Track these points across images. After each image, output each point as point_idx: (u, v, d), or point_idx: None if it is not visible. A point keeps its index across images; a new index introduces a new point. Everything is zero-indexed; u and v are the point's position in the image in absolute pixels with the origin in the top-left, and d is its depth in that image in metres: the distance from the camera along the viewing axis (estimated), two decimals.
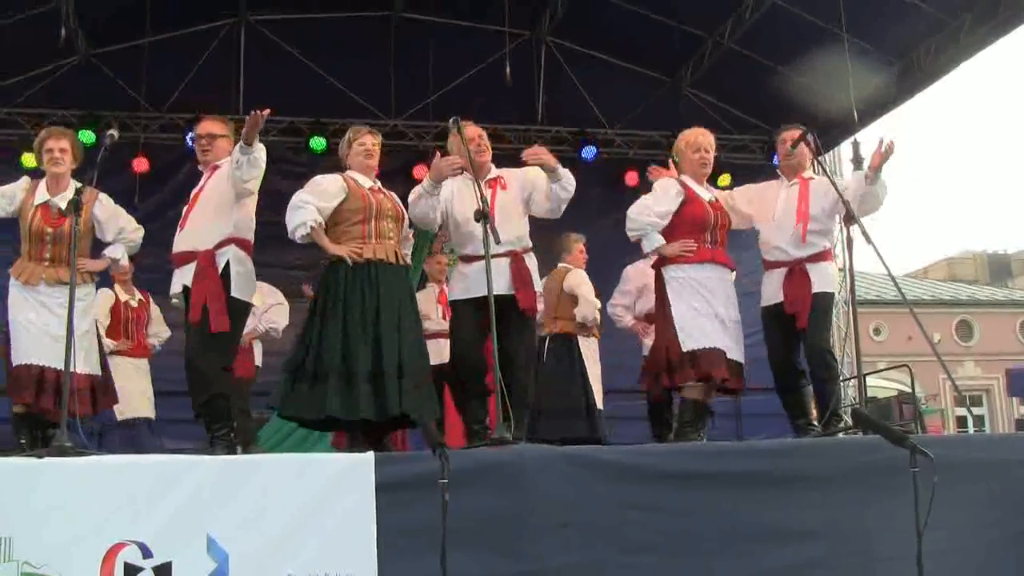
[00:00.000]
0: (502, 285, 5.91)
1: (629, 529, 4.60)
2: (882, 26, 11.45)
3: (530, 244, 6.25)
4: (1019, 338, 36.19)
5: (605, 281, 8.78)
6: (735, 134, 13.37)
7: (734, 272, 6.68)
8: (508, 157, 11.03)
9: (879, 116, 12.49)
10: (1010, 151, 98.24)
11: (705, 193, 6.55)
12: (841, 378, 13.59)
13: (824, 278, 6.60)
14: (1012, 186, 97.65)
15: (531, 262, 6.19)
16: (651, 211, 6.42)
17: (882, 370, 17.96)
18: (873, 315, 31.38)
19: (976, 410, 34.49)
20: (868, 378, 16.94)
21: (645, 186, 6.85)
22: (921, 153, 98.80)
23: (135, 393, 8.68)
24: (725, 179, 11.88)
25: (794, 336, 6.59)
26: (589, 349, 8.52)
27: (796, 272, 6.55)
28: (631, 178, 12.36)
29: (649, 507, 4.66)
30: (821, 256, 6.62)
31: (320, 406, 5.52)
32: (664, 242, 6.36)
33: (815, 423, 6.72)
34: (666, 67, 13.33)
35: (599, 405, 8.52)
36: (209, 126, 6.15)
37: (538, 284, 6.29)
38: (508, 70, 11.01)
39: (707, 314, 6.26)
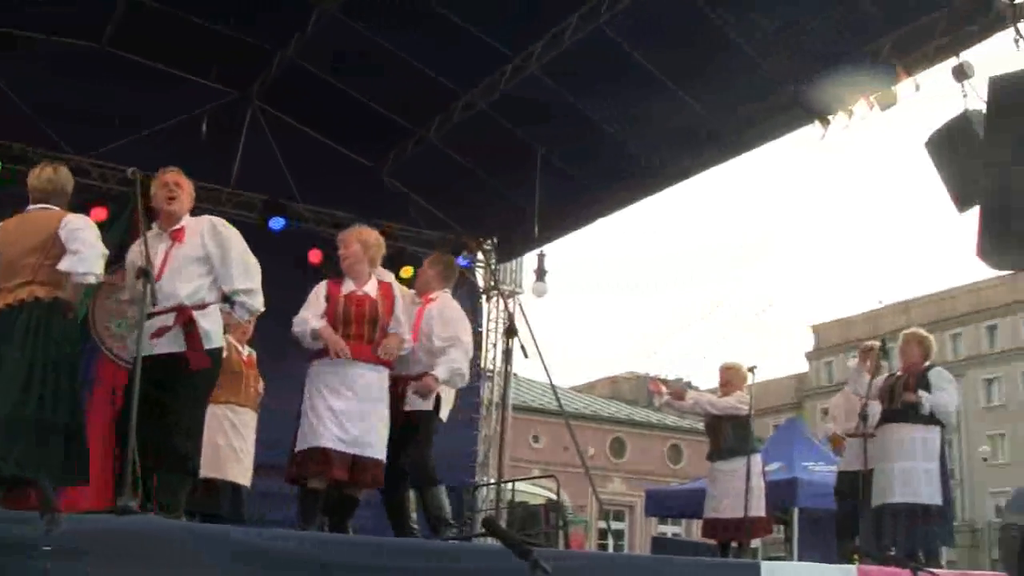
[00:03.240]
0: (171, 344, 5.78)
1: None
2: (578, 151, 12.03)
3: (207, 301, 5.99)
4: (666, 460, 38.10)
5: (280, 357, 8.51)
6: (424, 229, 13.59)
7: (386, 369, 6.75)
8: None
9: (562, 235, 13.11)
10: (680, 280, 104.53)
11: (352, 287, 6.68)
12: (489, 482, 14.04)
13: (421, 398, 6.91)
14: (678, 313, 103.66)
15: (204, 320, 5.90)
16: (302, 315, 6.65)
17: (532, 477, 18.48)
18: (534, 422, 32.34)
19: (619, 525, 35.97)
20: (522, 484, 17.49)
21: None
22: (603, 273, 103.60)
23: None
24: (407, 271, 12.03)
25: (397, 444, 6.79)
26: (240, 421, 8.33)
27: (394, 388, 6.85)
28: (314, 255, 12.15)
29: None
30: (424, 375, 6.89)
31: None
32: (325, 325, 6.52)
33: (415, 525, 7.03)
34: (370, 152, 13.38)
35: (245, 482, 8.35)
36: None
37: (215, 341, 6.05)
38: (205, 126, 10.77)
39: (322, 411, 6.34)
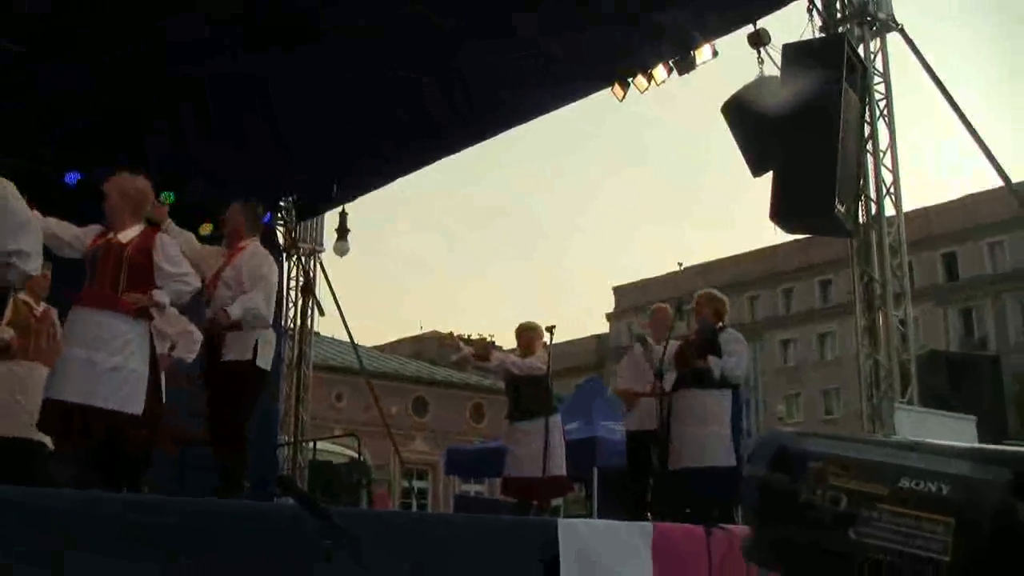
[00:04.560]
0: None
1: None
2: (377, 109, 11.84)
3: None
4: (469, 419, 38.38)
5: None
6: (222, 184, 13.06)
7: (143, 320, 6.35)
8: None
9: (362, 193, 13.02)
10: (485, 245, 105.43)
11: (109, 234, 6.37)
12: (289, 441, 13.91)
13: (237, 347, 6.72)
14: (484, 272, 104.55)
15: None
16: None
17: (333, 436, 18.35)
18: (336, 381, 32.12)
19: (422, 484, 36.16)
20: (325, 443, 17.36)
21: None
22: (402, 239, 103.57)
23: None
24: (207, 227, 11.70)
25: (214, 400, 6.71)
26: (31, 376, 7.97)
27: (214, 338, 6.76)
28: None
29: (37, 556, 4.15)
30: (240, 324, 6.70)
31: None
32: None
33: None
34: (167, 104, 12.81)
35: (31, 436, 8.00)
36: None
37: None
38: None
39: (68, 362, 6.06)
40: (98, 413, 5.96)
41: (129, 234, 6.37)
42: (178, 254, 6.46)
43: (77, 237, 6.40)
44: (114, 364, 6.04)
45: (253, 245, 7.13)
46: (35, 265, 5.69)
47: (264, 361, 6.88)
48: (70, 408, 5.94)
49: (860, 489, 2.94)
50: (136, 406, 6.10)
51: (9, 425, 7.81)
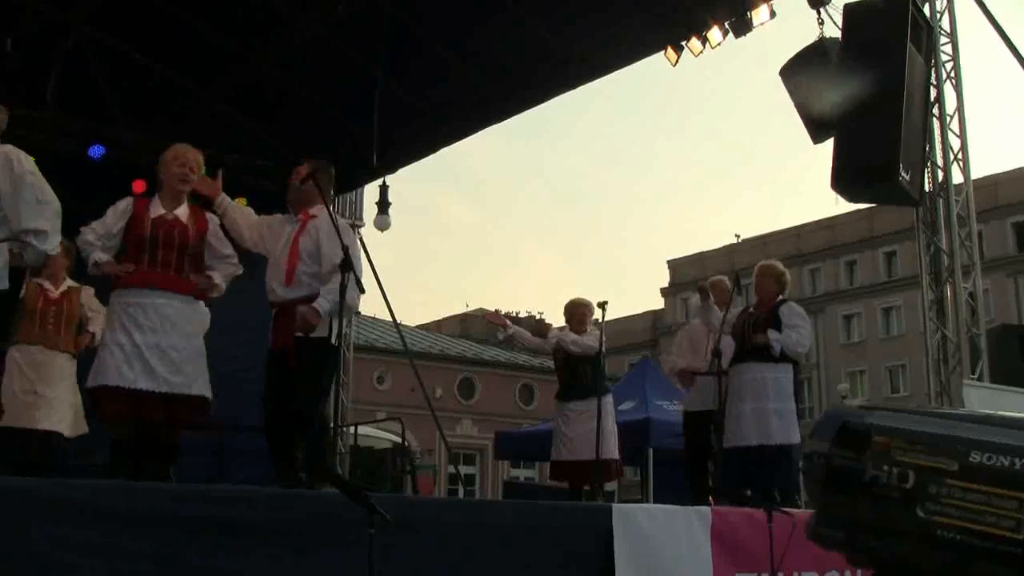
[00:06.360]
0: None
1: (58, 571, 4.10)
2: (418, 77, 11.69)
3: None
4: (518, 401, 38.05)
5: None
6: (258, 158, 12.76)
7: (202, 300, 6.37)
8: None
9: (402, 165, 12.84)
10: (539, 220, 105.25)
11: (161, 210, 6.16)
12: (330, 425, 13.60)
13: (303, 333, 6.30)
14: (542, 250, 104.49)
15: None
16: (92, 229, 6.15)
17: (376, 421, 18.10)
18: (379, 363, 31.94)
19: (469, 469, 35.92)
20: (367, 428, 17.10)
21: None
22: (446, 213, 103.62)
23: None
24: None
25: (284, 379, 6.24)
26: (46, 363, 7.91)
27: (284, 314, 6.30)
28: (138, 185, 11.20)
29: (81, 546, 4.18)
30: (314, 298, 6.22)
31: None
32: (106, 258, 6.08)
33: (303, 475, 6.35)
34: (199, 77, 12.57)
35: (62, 429, 7.91)
36: None
37: None
38: (10, 44, 10.01)
39: (123, 346, 5.90)
40: (191, 401, 6.04)
41: (184, 211, 6.26)
42: (223, 234, 6.40)
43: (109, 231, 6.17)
44: (197, 348, 6.15)
45: (325, 213, 6.44)
46: (53, 244, 5.62)
47: (336, 338, 6.38)
48: (159, 397, 5.92)
49: (928, 464, 2.97)
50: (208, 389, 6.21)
51: (28, 418, 7.78)
